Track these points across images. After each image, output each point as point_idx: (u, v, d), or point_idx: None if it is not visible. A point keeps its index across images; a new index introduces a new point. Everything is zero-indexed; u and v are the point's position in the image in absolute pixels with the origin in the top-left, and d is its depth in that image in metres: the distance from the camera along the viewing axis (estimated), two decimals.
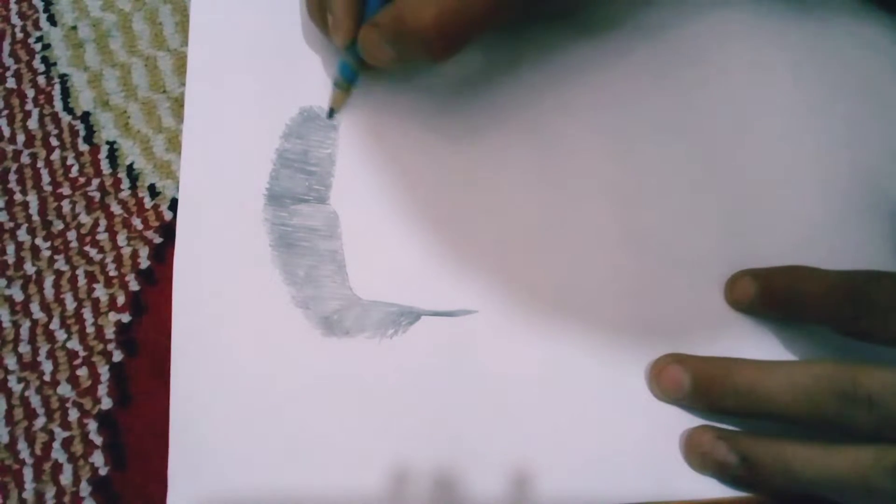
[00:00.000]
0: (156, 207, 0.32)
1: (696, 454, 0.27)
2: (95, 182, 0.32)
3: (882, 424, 0.24)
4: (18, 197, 0.32)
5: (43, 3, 0.35)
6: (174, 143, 0.33)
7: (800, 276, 0.28)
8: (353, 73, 0.31)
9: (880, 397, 0.24)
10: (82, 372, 0.30)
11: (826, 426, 0.25)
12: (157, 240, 0.31)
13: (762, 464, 0.26)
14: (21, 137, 0.33)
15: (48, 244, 0.31)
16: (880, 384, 0.24)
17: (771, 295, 0.28)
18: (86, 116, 0.33)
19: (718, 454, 0.27)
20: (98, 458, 0.29)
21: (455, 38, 0.27)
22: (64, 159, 0.33)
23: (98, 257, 0.31)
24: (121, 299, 0.30)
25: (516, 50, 0.33)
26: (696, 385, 0.27)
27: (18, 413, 0.29)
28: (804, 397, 0.25)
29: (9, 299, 0.31)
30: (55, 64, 0.34)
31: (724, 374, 0.27)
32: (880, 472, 0.23)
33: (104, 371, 0.30)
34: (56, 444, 0.29)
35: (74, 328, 0.30)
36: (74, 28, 0.35)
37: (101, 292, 0.31)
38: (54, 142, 0.33)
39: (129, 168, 0.32)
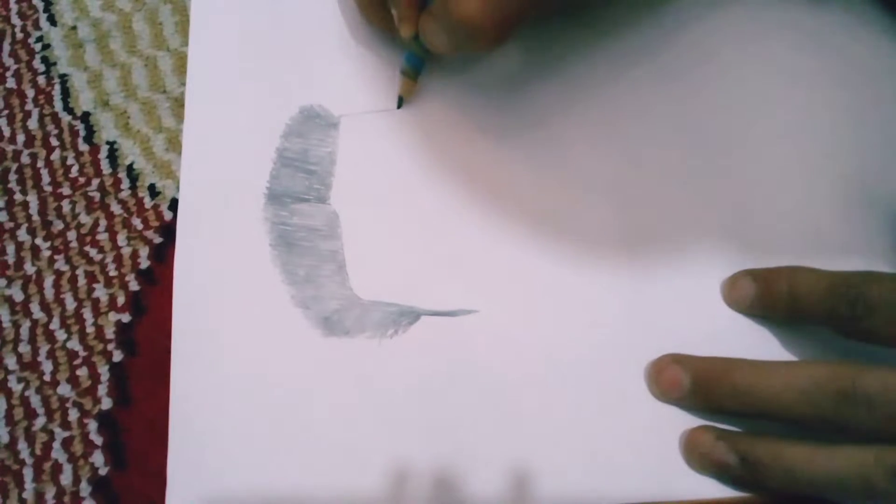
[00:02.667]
0: (156, 207, 0.32)
1: (696, 454, 0.27)
2: (95, 182, 0.32)
3: (882, 425, 0.24)
4: (18, 197, 0.32)
5: (43, 3, 0.35)
6: (174, 143, 0.33)
7: (798, 276, 0.28)
8: (419, 62, 0.32)
9: (880, 397, 0.24)
10: (82, 372, 0.30)
11: (826, 426, 0.25)
12: (157, 240, 0.31)
13: (762, 464, 0.26)
14: (21, 137, 0.33)
15: (48, 244, 0.31)
16: (880, 384, 0.24)
17: (770, 296, 0.28)
18: (86, 116, 0.33)
19: (718, 454, 0.27)
20: (98, 458, 0.29)
21: (500, 27, 0.27)
22: (64, 159, 0.33)
23: (98, 257, 0.31)
24: (121, 299, 0.30)
25: (519, 50, 0.33)
26: (696, 385, 0.27)
27: (18, 413, 0.29)
28: (804, 397, 0.25)
29: (9, 299, 0.31)
30: (55, 64, 0.34)
31: (724, 374, 0.27)
32: (880, 473, 0.23)
33: (104, 371, 0.30)
34: (56, 444, 0.29)
35: (74, 328, 0.30)
36: (74, 28, 0.35)
37: (101, 292, 0.31)
38: (54, 142, 0.33)
39: (129, 168, 0.32)
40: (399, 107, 0.32)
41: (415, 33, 0.30)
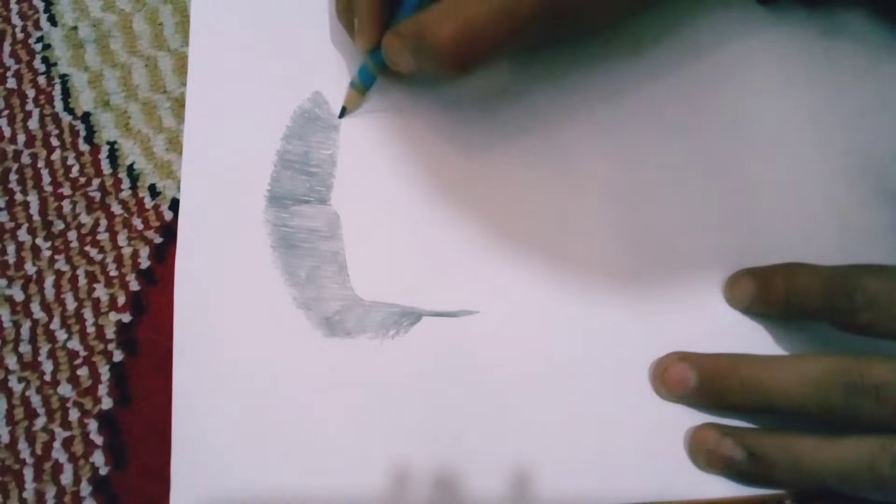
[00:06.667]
0: (156, 207, 0.32)
1: (702, 452, 0.27)
2: (96, 182, 0.32)
3: (889, 414, 0.24)
4: (19, 197, 0.32)
5: (43, 4, 0.35)
6: (174, 144, 0.33)
7: (796, 272, 0.28)
8: (371, 77, 0.32)
9: (887, 387, 0.24)
10: (83, 372, 0.30)
11: (834, 418, 0.25)
12: (158, 240, 0.31)
13: (769, 457, 0.26)
14: (21, 137, 0.33)
15: (49, 244, 0.31)
16: (887, 374, 0.24)
17: (768, 292, 0.29)
18: (86, 117, 0.33)
19: (725, 450, 0.27)
20: (98, 458, 0.29)
21: (470, 58, 0.27)
22: (64, 159, 0.33)
23: (98, 257, 0.31)
24: (121, 299, 0.31)
25: (521, 55, 0.33)
26: (703, 381, 0.27)
27: (19, 413, 0.29)
28: (812, 389, 0.25)
29: (9, 299, 0.31)
30: (56, 64, 0.34)
31: (731, 369, 0.27)
32: (887, 461, 0.24)
33: (104, 371, 0.30)
34: (56, 444, 0.29)
35: (75, 328, 0.30)
36: (75, 28, 0.35)
37: (101, 292, 0.31)
38: (55, 142, 0.33)
39: (130, 168, 0.32)
40: (341, 117, 0.32)
41: (372, 48, 0.30)
